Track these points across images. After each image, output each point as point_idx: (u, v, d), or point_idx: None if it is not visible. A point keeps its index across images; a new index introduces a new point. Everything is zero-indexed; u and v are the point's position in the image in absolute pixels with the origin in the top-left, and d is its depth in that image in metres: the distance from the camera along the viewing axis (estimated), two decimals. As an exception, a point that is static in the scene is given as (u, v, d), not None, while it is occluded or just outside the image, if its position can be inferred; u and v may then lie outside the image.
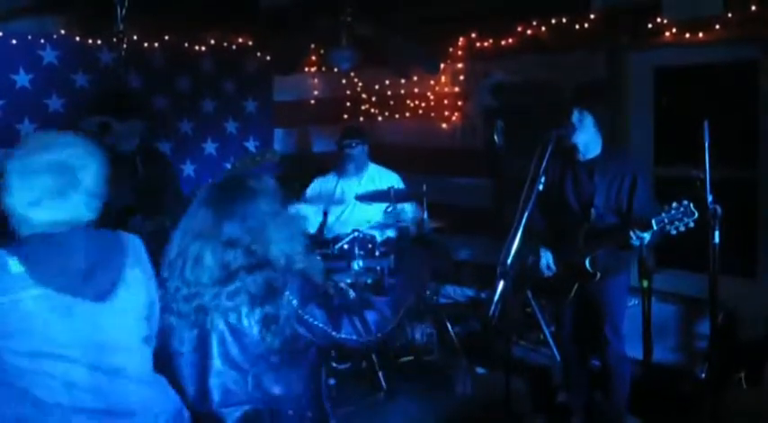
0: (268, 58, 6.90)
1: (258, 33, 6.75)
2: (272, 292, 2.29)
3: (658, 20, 5.17)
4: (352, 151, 5.55)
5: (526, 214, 3.15)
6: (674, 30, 5.15)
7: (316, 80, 7.43)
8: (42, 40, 5.48)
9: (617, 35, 5.46)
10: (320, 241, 5.43)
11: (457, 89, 6.73)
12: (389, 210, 5.40)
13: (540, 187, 3.29)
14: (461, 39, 6.55)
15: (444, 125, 6.82)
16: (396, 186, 5.44)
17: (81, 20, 5.63)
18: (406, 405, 4.70)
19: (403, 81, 7.06)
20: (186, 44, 6.36)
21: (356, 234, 5.13)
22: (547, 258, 4.16)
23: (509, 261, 3.06)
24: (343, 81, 7.45)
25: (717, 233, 3.40)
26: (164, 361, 2.33)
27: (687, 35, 5.10)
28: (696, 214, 3.56)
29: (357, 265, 4.98)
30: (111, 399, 2.03)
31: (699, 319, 4.83)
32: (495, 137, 5.35)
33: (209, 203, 2.36)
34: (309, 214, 5.64)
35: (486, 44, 6.38)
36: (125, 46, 4.15)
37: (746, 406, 4.03)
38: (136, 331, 2.12)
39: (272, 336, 2.29)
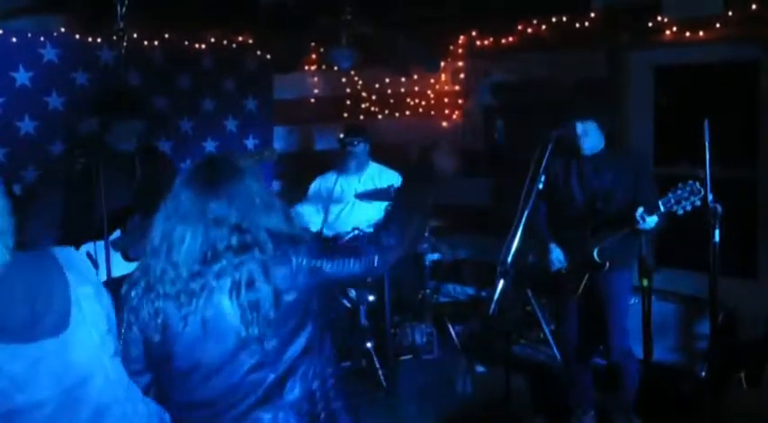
0: (268, 56, 6.90)
1: (258, 32, 6.75)
2: (259, 275, 2.24)
3: (658, 19, 5.17)
4: (354, 149, 5.55)
5: (526, 213, 3.15)
6: (674, 29, 5.14)
7: (316, 79, 7.42)
8: (42, 38, 5.48)
9: (617, 34, 5.46)
10: (321, 239, 5.43)
11: (457, 88, 6.72)
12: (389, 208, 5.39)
13: (540, 186, 3.29)
14: (462, 37, 6.55)
15: (444, 124, 6.81)
16: (396, 185, 5.43)
17: (81, 18, 5.63)
18: (405, 404, 4.70)
19: (403, 79, 7.05)
20: (186, 42, 6.35)
21: (356, 232, 5.12)
22: (556, 253, 4.16)
23: (509, 260, 3.06)
24: (344, 79, 7.45)
25: (717, 232, 3.40)
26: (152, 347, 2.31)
27: (687, 34, 5.10)
28: (702, 192, 3.55)
29: (357, 263, 4.97)
30: None
31: (699, 318, 4.83)
32: (496, 136, 5.34)
33: (193, 184, 2.31)
34: (311, 213, 5.64)
35: (486, 43, 6.38)
36: (125, 44, 4.13)
37: (746, 406, 4.03)
38: (104, 349, 2.00)
39: (256, 323, 2.23)
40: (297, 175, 6.71)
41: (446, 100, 6.79)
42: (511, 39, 6.16)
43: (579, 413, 4.38)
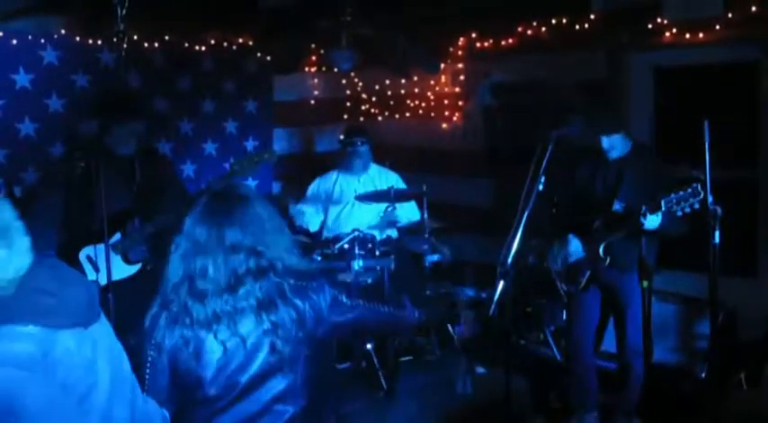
0: (268, 58, 6.90)
1: (258, 33, 6.75)
2: (278, 296, 2.33)
3: (658, 20, 5.17)
4: (357, 150, 5.55)
5: (526, 214, 3.15)
6: (674, 30, 5.15)
7: (316, 80, 7.43)
8: (43, 40, 5.48)
9: (617, 35, 5.46)
10: (320, 241, 5.43)
11: (457, 89, 6.73)
12: (390, 210, 5.41)
13: (541, 187, 3.29)
14: (461, 39, 6.55)
15: (444, 125, 6.82)
16: (396, 186, 5.44)
17: (81, 20, 5.63)
18: (406, 405, 4.71)
19: (403, 81, 7.06)
20: (186, 44, 6.36)
21: (356, 234, 5.13)
22: (575, 244, 4.18)
23: (509, 261, 3.06)
24: (344, 81, 7.46)
25: (717, 233, 3.40)
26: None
27: (687, 35, 5.10)
28: (702, 194, 3.56)
29: (357, 264, 4.98)
30: None
31: (699, 319, 4.83)
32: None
33: (205, 218, 2.37)
34: (310, 213, 5.64)
35: (486, 44, 6.39)
36: (125, 46, 4.13)
37: (746, 406, 4.03)
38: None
39: (282, 343, 2.32)
40: (297, 177, 6.71)
41: (446, 101, 6.80)
42: (511, 40, 6.16)
43: (582, 413, 4.39)
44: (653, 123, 5.63)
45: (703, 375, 4.57)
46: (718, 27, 4.94)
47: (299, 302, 2.36)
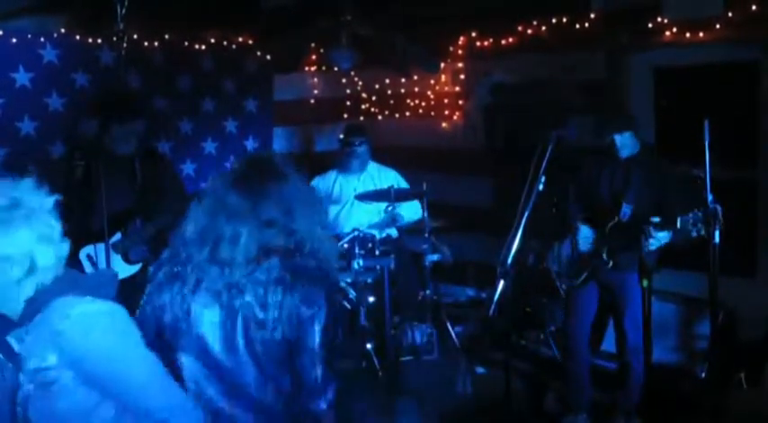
0: (268, 57, 6.90)
1: (258, 32, 6.75)
2: (297, 279, 2.25)
3: (658, 20, 5.17)
4: (356, 149, 5.55)
5: (526, 214, 3.15)
6: (674, 30, 5.15)
7: (316, 79, 7.43)
8: (42, 39, 5.48)
9: (617, 35, 5.46)
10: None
11: (457, 88, 6.73)
12: (390, 209, 5.40)
13: (541, 187, 3.29)
14: (462, 38, 6.55)
15: (444, 124, 6.82)
16: (396, 184, 5.44)
17: (81, 19, 5.63)
18: (406, 405, 4.71)
19: (403, 80, 7.06)
20: (186, 43, 6.35)
21: (356, 233, 5.12)
22: (585, 231, 4.18)
23: (509, 260, 3.06)
24: (344, 80, 7.45)
25: (717, 233, 3.40)
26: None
27: (687, 35, 5.10)
28: (721, 222, 3.51)
29: (357, 264, 4.98)
30: None
31: (699, 319, 4.83)
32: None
33: (239, 185, 2.30)
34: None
35: (486, 43, 6.38)
36: (125, 45, 4.14)
37: (746, 406, 4.03)
38: None
39: (280, 324, 2.24)
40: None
41: (446, 100, 6.80)
42: (511, 39, 6.16)
43: (575, 412, 4.40)
44: (653, 123, 5.63)
45: (703, 375, 4.57)
46: (718, 27, 4.94)
47: (299, 295, 2.25)
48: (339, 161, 5.70)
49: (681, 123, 5.32)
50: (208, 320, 2.29)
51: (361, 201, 5.46)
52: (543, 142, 3.44)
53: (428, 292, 5.55)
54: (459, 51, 6.61)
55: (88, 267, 4.17)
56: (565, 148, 3.94)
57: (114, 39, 4.12)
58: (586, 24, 5.60)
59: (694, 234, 3.62)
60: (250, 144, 6.80)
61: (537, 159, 3.37)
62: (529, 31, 6.01)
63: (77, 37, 5.66)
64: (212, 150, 6.54)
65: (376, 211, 5.56)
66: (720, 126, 3.59)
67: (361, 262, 4.99)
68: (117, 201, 4.26)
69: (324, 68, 7.35)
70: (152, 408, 2.01)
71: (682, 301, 4.98)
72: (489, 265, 3.47)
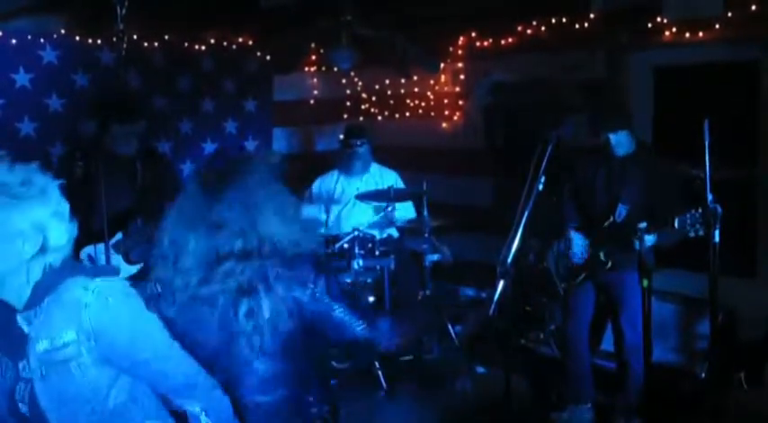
0: (268, 57, 6.90)
1: (258, 33, 6.75)
2: (259, 284, 2.22)
3: (658, 19, 5.17)
4: (358, 150, 5.54)
5: (526, 213, 3.15)
6: (673, 29, 5.15)
7: (316, 79, 7.43)
8: (42, 40, 5.48)
9: (617, 35, 5.46)
10: (320, 240, 5.43)
11: (457, 88, 6.73)
12: (389, 209, 5.40)
13: (541, 187, 3.29)
14: (461, 38, 6.55)
15: (444, 124, 6.82)
16: (395, 185, 5.44)
17: (81, 19, 5.63)
18: (406, 405, 4.70)
19: (403, 80, 7.06)
20: (186, 44, 6.36)
21: (356, 233, 5.12)
22: (577, 241, 4.19)
23: (509, 260, 3.06)
24: (344, 80, 7.45)
25: (717, 233, 3.40)
26: None
27: (687, 35, 5.10)
28: (719, 224, 3.53)
29: (357, 264, 4.98)
30: None
31: (699, 319, 4.83)
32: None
33: (200, 190, 2.29)
34: (314, 214, 5.63)
35: (486, 44, 6.38)
36: (125, 45, 4.14)
37: (746, 406, 4.03)
38: None
39: (254, 331, 2.22)
40: (296, 177, 6.70)
41: (446, 101, 6.80)
42: (511, 39, 6.16)
43: (576, 405, 4.40)
44: (653, 123, 5.63)
45: (703, 375, 4.57)
46: (717, 26, 4.94)
47: (280, 292, 2.26)
48: (341, 162, 5.70)
49: (681, 123, 5.31)
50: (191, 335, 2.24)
51: (362, 200, 5.45)
52: (543, 142, 3.44)
53: (428, 291, 5.54)
54: (459, 51, 6.61)
55: (88, 267, 4.17)
56: (564, 148, 3.95)
57: (114, 39, 4.12)
58: (586, 24, 5.60)
59: (692, 234, 3.63)
60: (250, 144, 6.81)
61: (537, 159, 3.37)
62: (529, 31, 6.01)
63: (77, 37, 5.66)
64: (212, 150, 6.54)
65: (376, 211, 5.55)
66: (720, 126, 3.59)
67: (361, 262, 4.99)
68: (117, 201, 4.26)
69: (324, 69, 7.35)
70: (175, 374, 2.05)
71: (682, 301, 4.98)
72: (489, 265, 3.46)
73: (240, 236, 2.23)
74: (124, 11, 4.01)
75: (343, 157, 5.64)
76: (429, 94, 6.93)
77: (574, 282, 4.24)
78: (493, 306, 2.99)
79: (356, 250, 5.04)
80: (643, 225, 3.77)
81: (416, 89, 7.02)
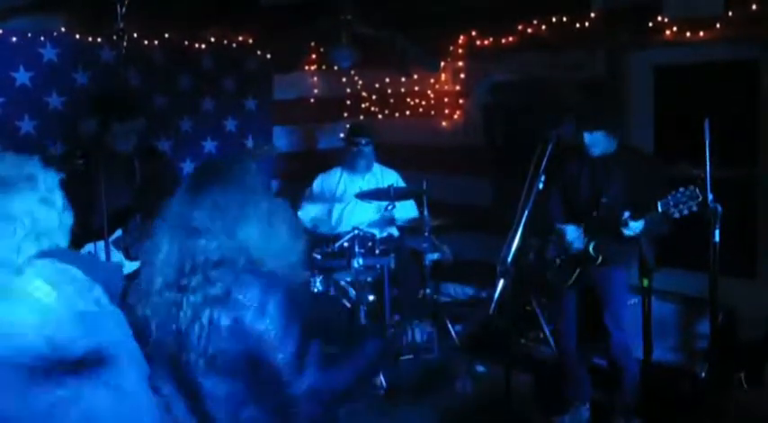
0: (268, 56, 6.89)
1: (258, 31, 6.74)
2: (225, 296, 2.12)
3: (659, 19, 5.17)
4: (361, 150, 5.54)
5: (526, 213, 3.15)
6: (674, 29, 5.14)
7: (316, 78, 7.42)
8: (42, 38, 5.47)
9: (617, 34, 5.46)
10: (320, 239, 5.43)
11: (457, 87, 6.72)
12: (390, 208, 5.40)
13: (541, 186, 3.29)
14: (462, 37, 6.54)
15: (445, 123, 6.81)
16: (396, 184, 5.44)
17: (81, 18, 5.62)
18: (406, 404, 4.70)
19: (403, 79, 7.05)
20: (186, 42, 6.35)
21: (356, 232, 5.12)
22: (571, 230, 4.17)
23: (509, 259, 3.06)
24: (344, 79, 7.45)
25: (717, 232, 3.40)
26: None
27: (687, 34, 5.09)
28: (700, 197, 3.56)
29: (357, 263, 4.98)
30: None
31: (699, 318, 4.83)
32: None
33: (185, 192, 2.24)
34: (319, 212, 5.63)
35: (486, 43, 6.38)
36: (125, 44, 4.14)
37: (746, 406, 4.03)
38: None
39: (210, 346, 2.11)
40: (297, 176, 6.70)
41: (446, 100, 6.79)
42: (511, 39, 6.15)
43: (576, 405, 4.40)
44: (653, 122, 5.63)
45: (703, 375, 4.57)
46: (718, 26, 4.93)
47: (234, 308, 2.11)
48: (344, 160, 5.69)
49: (681, 122, 5.32)
50: (161, 337, 2.19)
51: (362, 199, 5.45)
52: (543, 141, 3.44)
53: (428, 290, 5.54)
54: (460, 50, 6.60)
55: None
56: (564, 147, 3.96)
57: (114, 37, 4.12)
58: (586, 23, 5.59)
59: (677, 215, 3.63)
60: (250, 143, 6.79)
61: (537, 158, 3.37)
62: (529, 31, 6.01)
63: (77, 36, 5.65)
64: (212, 149, 6.54)
65: (376, 210, 5.55)
66: (720, 126, 3.59)
67: (360, 261, 4.99)
68: (117, 198, 4.27)
69: (324, 67, 7.35)
70: None
71: (682, 300, 4.98)
72: (489, 264, 3.46)
73: (218, 246, 2.15)
74: (124, 9, 4.01)
75: (347, 155, 5.64)
76: (429, 92, 6.92)
77: (565, 284, 4.23)
78: (493, 305, 3.00)
79: (356, 249, 5.04)
80: (626, 214, 3.78)
81: (416, 88, 7.02)
